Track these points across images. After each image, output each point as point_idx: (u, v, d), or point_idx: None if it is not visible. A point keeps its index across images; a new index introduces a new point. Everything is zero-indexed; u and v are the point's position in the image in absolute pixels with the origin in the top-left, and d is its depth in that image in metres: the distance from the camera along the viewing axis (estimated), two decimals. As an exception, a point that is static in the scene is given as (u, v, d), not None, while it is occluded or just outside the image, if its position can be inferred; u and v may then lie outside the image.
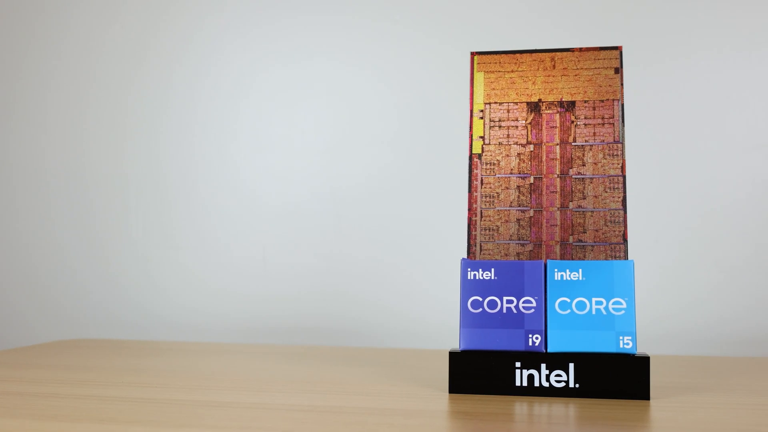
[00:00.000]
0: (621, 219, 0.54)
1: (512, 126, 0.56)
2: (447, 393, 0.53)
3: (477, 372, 0.52)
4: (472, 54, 0.57)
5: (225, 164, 0.93)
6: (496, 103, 0.56)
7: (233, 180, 0.93)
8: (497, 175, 0.55)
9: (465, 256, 0.56)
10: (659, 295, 0.82)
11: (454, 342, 0.79)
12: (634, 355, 0.51)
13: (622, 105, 0.55)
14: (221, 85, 0.93)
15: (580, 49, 0.56)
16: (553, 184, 0.55)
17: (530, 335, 0.52)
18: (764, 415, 0.47)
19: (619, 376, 0.51)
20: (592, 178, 0.54)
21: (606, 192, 0.54)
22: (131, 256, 0.95)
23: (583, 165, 0.55)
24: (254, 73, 0.93)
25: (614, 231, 0.54)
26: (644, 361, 0.51)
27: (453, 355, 0.53)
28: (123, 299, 0.95)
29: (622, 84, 0.55)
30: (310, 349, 0.81)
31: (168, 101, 0.95)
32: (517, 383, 0.52)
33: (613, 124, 0.55)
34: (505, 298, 0.53)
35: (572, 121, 0.55)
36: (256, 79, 0.93)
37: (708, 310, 0.82)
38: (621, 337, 0.51)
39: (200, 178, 0.94)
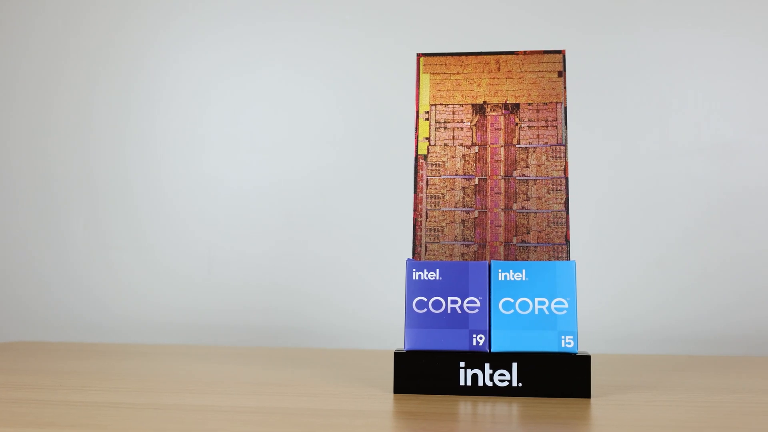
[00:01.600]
0: (563, 220, 0.55)
1: (457, 128, 0.56)
2: (392, 393, 0.53)
3: (421, 372, 0.52)
4: (418, 55, 0.57)
5: (174, 164, 0.92)
6: (441, 104, 0.57)
7: (180, 180, 0.91)
8: (442, 177, 0.56)
9: (410, 257, 0.56)
10: (601, 296, 0.84)
11: (400, 342, 0.79)
12: (575, 354, 0.52)
13: (565, 108, 0.56)
14: (164, 87, 0.92)
15: (525, 53, 0.57)
16: (497, 186, 0.55)
17: (474, 335, 0.52)
18: (700, 411, 0.48)
19: (560, 375, 0.51)
20: (535, 180, 0.55)
21: (549, 194, 0.55)
22: (59, 258, 0.93)
23: (527, 167, 0.55)
24: (199, 73, 0.92)
25: (557, 232, 0.55)
26: (585, 360, 0.51)
27: (398, 356, 0.53)
28: (58, 301, 0.93)
29: (565, 87, 0.56)
30: (256, 350, 0.80)
31: (103, 100, 0.93)
32: (462, 383, 0.52)
33: (556, 126, 0.56)
34: (449, 299, 0.53)
35: (516, 124, 0.56)
36: (201, 79, 0.92)
37: (648, 310, 0.84)
38: (563, 337, 0.52)
39: (133, 178, 0.92)
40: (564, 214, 0.55)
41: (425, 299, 0.53)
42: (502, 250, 0.55)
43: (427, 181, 0.56)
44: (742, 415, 0.47)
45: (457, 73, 0.57)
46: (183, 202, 0.91)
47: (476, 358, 0.52)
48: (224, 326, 0.90)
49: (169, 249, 0.91)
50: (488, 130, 0.56)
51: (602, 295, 0.84)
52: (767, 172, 0.83)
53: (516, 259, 0.54)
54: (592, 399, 0.51)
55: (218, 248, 0.90)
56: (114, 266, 0.92)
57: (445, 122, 0.56)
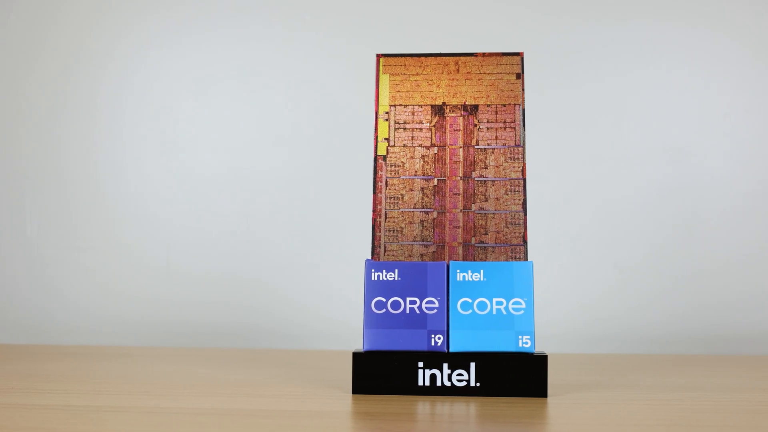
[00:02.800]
0: (521, 221, 0.55)
1: (417, 128, 0.56)
2: (350, 394, 0.53)
3: (380, 372, 0.52)
4: (378, 56, 0.57)
5: (128, 163, 0.90)
6: (401, 105, 0.57)
7: (136, 179, 0.90)
8: (402, 177, 0.56)
9: (369, 257, 0.56)
10: (558, 295, 0.85)
11: (360, 342, 0.79)
12: (532, 353, 0.52)
13: (523, 109, 0.56)
14: (125, 84, 0.91)
15: (483, 54, 0.57)
16: (456, 187, 0.56)
17: (433, 335, 0.53)
18: (654, 409, 0.49)
19: (518, 375, 0.52)
20: (494, 181, 0.56)
21: (507, 195, 0.56)
22: (26, 257, 0.91)
23: (486, 168, 0.56)
24: (159, 70, 0.91)
25: (515, 233, 0.55)
26: (542, 359, 0.52)
27: (356, 356, 0.53)
28: (17, 301, 0.91)
29: (523, 89, 0.57)
30: (212, 351, 0.80)
31: (71, 97, 0.91)
32: (420, 383, 0.52)
33: (515, 128, 0.56)
34: (408, 299, 0.53)
35: (475, 125, 0.56)
36: (161, 76, 0.91)
37: (605, 310, 0.85)
38: (520, 337, 0.52)
39: (102, 177, 0.91)
40: (522, 215, 0.55)
41: (384, 300, 0.53)
42: (460, 250, 0.55)
43: (386, 181, 0.56)
44: (695, 413, 0.48)
45: (417, 74, 0.57)
46: (139, 204, 0.90)
47: (434, 358, 0.52)
48: (182, 327, 0.89)
49: (125, 252, 0.90)
50: (447, 131, 0.56)
51: (559, 295, 0.85)
52: (719, 175, 0.85)
53: (474, 260, 0.55)
54: (549, 398, 0.51)
55: (175, 249, 0.89)
56: (83, 265, 0.90)
57: (404, 123, 0.57)
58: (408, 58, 0.57)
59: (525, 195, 0.55)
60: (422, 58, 0.57)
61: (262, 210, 0.89)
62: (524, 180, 0.55)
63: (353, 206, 0.84)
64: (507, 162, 0.56)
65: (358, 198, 0.81)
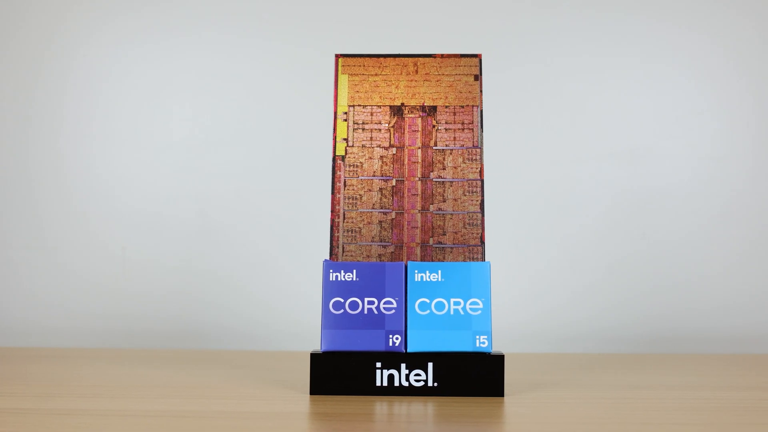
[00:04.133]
0: (479, 222, 0.55)
1: (375, 129, 0.56)
2: (308, 395, 0.53)
3: (338, 373, 0.52)
4: (337, 56, 0.57)
5: (80, 162, 0.89)
6: (359, 105, 0.57)
7: (89, 178, 0.89)
8: (360, 178, 0.56)
9: (327, 258, 0.56)
10: (515, 296, 0.86)
11: (318, 343, 0.79)
12: (489, 353, 0.52)
13: (481, 111, 0.57)
14: (77, 84, 0.89)
15: (442, 56, 0.57)
16: (414, 187, 0.56)
17: (390, 336, 0.53)
18: (606, 408, 0.50)
19: (475, 375, 0.52)
20: (452, 182, 0.56)
21: (465, 195, 0.56)
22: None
23: (444, 169, 0.56)
24: (113, 69, 0.89)
25: (472, 233, 0.55)
26: (499, 359, 0.52)
27: (314, 357, 0.53)
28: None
29: (481, 90, 0.57)
30: (170, 352, 0.79)
31: (34, 101, 0.89)
32: (378, 383, 0.52)
33: (473, 129, 0.56)
34: (366, 299, 0.53)
35: (434, 126, 0.56)
36: (115, 75, 0.89)
37: (562, 310, 0.86)
38: (477, 337, 0.53)
39: (55, 176, 0.89)
40: (479, 215, 0.56)
41: (342, 300, 0.53)
42: (418, 251, 0.55)
43: (344, 182, 0.56)
44: (646, 411, 0.48)
45: (376, 74, 0.57)
46: (93, 202, 0.88)
47: (392, 359, 0.52)
48: (137, 328, 0.87)
49: (79, 250, 0.88)
50: (406, 131, 0.56)
51: (516, 295, 0.86)
52: (672, 176, 0.86)
53: (432, 260, 0.55)
54: (506, 397, 0.52)
55: (131, 249, 0.88)
56: (35, 266, 0.88)
57: (363, 123, 0.56)
58: (367, 58, 0.57)
59: (483, 196, 0.56)
60: (381, 58, 0.57)
61: (220, 210, 0.88)
62: (482, 181, 0.56)
63: (311, 206, 0.84)
64: (465, 163, 0.56)
65: (316, 198, 0.80)
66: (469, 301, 0.53)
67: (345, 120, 0.57)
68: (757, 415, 0.47)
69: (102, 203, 0.88)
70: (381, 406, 0.49)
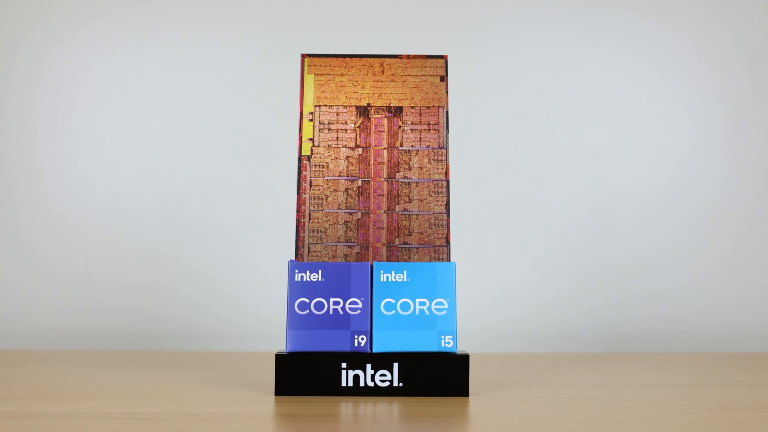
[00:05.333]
0: (444, 222, 0.56)
1: (341, 129, 0.56)
2: (273, 395, 0.52)
3: (303, 373, 0.52)
4: (303, 56, 0.57)
5: (43, 161, 0.87)
6: (325, 105, 0.57)
7: (52, 177, 0.87)
8: (326, 178, 0.56)
9: (293, 258, 0.56)
10: (480, 296, 0.86)
11: (283, 344, 0.78)
12: (454, 353, 0.53)
13: (447, 112, 0.57)
14: (43, 81, 0.88)
15: (408, 56, 0.57)
16: (380, 188, 0.56)
17: (356, 336, 0.53)
18: (568, 406, 0.50)
19: (440, 375, 0.52)
20: (417, 182, 0.56)
21: (431, 196, 0.56)
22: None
23: (410, 169, 0.56)
24: (80, 67, 0.88)
25: (438, 234, 0.56)
26: (464, 359, 0.53)
27: (279, 357, 0.52)
28: None
29: (447, 91, 0.57)
30: (133, 354, 0.78)
31: (4, 97, 0.88)
32: (343, 384, 0.52)
33: (439, 130, 0.57)
34: (331, 300, 0.53)
35: (399, 126, 0.57)
36: (82, 73, 0.88)
37: (527, 310, 0.87)
38: (443, 337, 0.53)
39: (15, 175, 0.87)
40: (445, 216, 0.56)
41: (307, 300, 0.53)
42: (384, 251, 0.55)
43: (310, 182, 0.56)
44: (607, 409, 0.49)
45: (342, 74, 0.57)
46: (59, 200, 0.87)
47: (358, 359, 0.52)
48: (99, 329, 0.86)
49: (44, 249, 0.87)
50: (372, 132, 0.56)
51: (482, 295, 0.86)
52: (638, 177, 0.87)
53: (398, 261, 0.55)
54: (471, 397, 0.52)
55: (95, 249, 0.87)
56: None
57: (329, 123, 0.56)
58: (333, 58, 0.57)
59: (448, 196, 0.56)
60: (347, 59, 0.57)
61: (184, 210, 0.87)
62: (447, 182, 0.56)
63: (277, 207, 0.84)
64: (431, 164, 0.56)
65: (282, 198, 0.80)
66: (434, 302, 0.53)
67: (311, 120, 0.56)
68: (716, 412, 0.48)
69: (63, 209, 0.87)
70: (346, 406, 0.49)
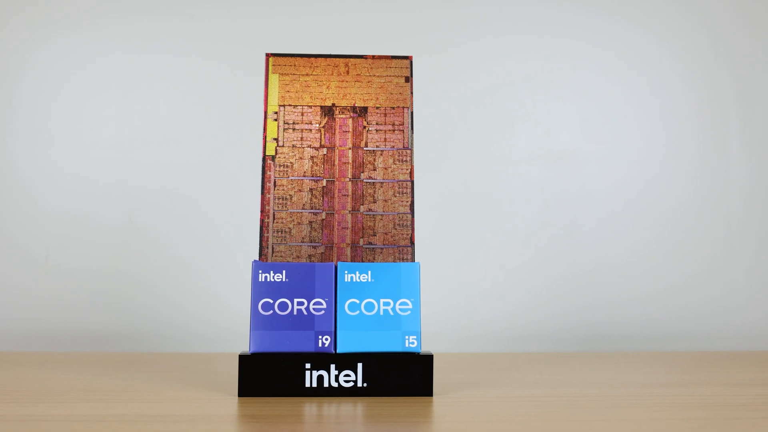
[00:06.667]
0: (409, 223, 0.56)
1: (306, 129, 0.56)
2: (237, 397, 0.52)
3: (267, 374, 0.52)
4: (267, 55, 0.57)
5: (8, 159, 0.86)
6: (290, 105, 0.56)
7: (12, 176, 0.86)
8: (290, 178, 0.56)
9: (257, 258, 0.56)
10: (445, 296, 0.86)
11: (247, 344, 0.78)
12: (418, 353, 0.53)
13: (412, 113, 0.57)
14: (3, 78, 0.86)
15: (373, 57, 0.58)
16: (345, 188, 0.56)
17: (320, 336, 0.52)
18: (534, 405, 0.50)
19: (404, 375, 0.52)
20: (382, 183, 0.56)
21: (395, 196, 0.56)
22: None
23: (374, 170, 0.56)
24: (40, 64, 0.86)
25: (402, 234, 0.56)
26: (428, 359, 0.53)
27: (243, 358, 0.52)
28: None
29: (412, 92, 0.57)
30: (95, 355, 0.77)
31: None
32: (307, 384, 0.52)
33: (403, 130, 0.57)
34: (296, 300, 0.53)
35: (364, 127, 0.57)
36: (42, 70, 0.86)
37: (491, 310, 0.87)
38: (407, 337, 0.53)
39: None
40: (409, 216, 0.56)
41: (271, 301, 0.53)
42: (348, 251, 0.55)
43: (274, 182, 0.56)
44: (570, 408, 0.50)
45: (307, 74, 0.57)
46: (14, 203, 0.86)
47: (322, 360, 0.52)
48: (60, 330, 0.85)
49: (6, 245, 0.85)
50: (336, 132, 0.56)
51: (446, 296, 0.87)
52: (597, 178, 0.88)
53: (362, 261, 0.55)
54: (435, 397, 0.52)
55: (56, 249, 0.85)
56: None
57: (293, 123, 0.56)
58: (298, 58, 0.57)
59: (413, 197, 0.56)
60: (312, 58, 0.57)
61: (148, 209, 0.86)
62: (412, 182, 0.56)
63: (241, 206, 0.83)
64: (395, 164, 0.56)
65: (246, 198, 0.80)
66: (398, 302, 0.53)
67: (275, 120, 0.56)
68: (674, 410, 0.49)
69: (25, 204, 0.86)
70: (310, 407, 0.49)
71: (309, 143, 0.56)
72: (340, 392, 0.52)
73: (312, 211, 0.55)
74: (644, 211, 0.89)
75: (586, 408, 0.50)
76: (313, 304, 0.53)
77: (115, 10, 0.87)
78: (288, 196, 0.55)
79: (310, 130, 0.56)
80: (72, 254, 0.86)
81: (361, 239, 0.55)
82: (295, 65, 0.57)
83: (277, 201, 0.55)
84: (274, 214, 0.55)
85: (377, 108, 0.57)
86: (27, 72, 0.87)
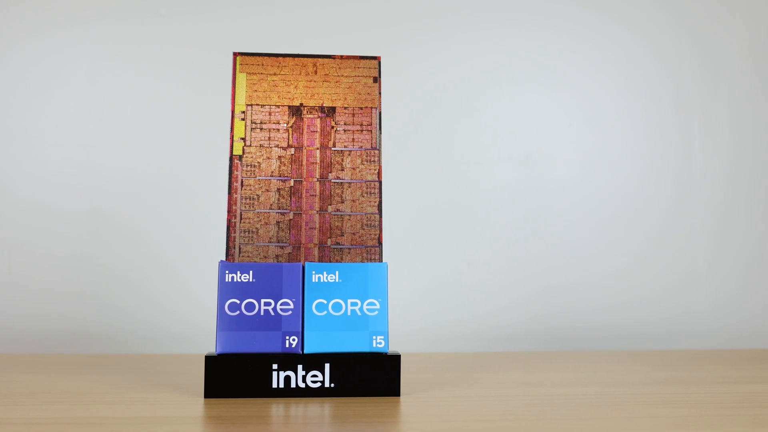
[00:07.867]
0: (377, 223, 0.56)
1: (273, 129, 0.56)
2: (203, 398, 0.52)
3: (233, 375, 0.52)
4: (235, 54, 0.57)
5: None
6: (257, 105, 0.56)
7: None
8: (257, 178, 0.55)
9: (224, 258, 0.55)
10: (412, 296, 0.87)
11: (213, 345, 0.77)
12: (386, 353, 0.53)
13: (380, 113, 0.57)
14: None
15: (341, 57, 0.57)
16: (312, 188, 0.56)
17: (287, 337, 0.52)
18: (500, 404, 0.51)
19: (372, 375, 0.52)
20: (350, 183, 0.56)
21: (363, 197, 0.56)
22: None
23: (342, 170, 0.56)
24: (2, 63, 0.85)
25: (370, 234, 0.56)
26: (395, 359, 0.53)
27: (209, 359, 0.52)
28: None
29: (380, 93, 0.57)
30: (57, 357, 0.75)
31: None
32: (274, 385, 0.52)
33: (371, 131, 0.57)
34: (263, 301, 0.52)
35: (332, 127, 0.56)
36: (4, 68, 0.85)
37: (458, 309, 0.88)
38: (374, 337, 0.53)
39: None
40: (377, 216, 0.56)
41: (238, 301, 0.52)
42: (316, 251, 0.55)
43: (242, 181, 0.55)
44: (536, 407, 0.50)
45: (274, 74, 0.57)
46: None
47: (289, 360, 0.52)
48: (23, 332, 0.83)
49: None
50: (304, 132, 0.56)
51: (413, 295, 0.87)
52: (564, 179, 0.89)
53: (330, 261, 0.55)
54: (402, 397, 0.52)
55: (18, 250, 0.84)
56: None
57: (261, 123, 0.56)
58: (265, 57, 0.57)
59: (381, 197, 0.56)
60: (280, 58, 0.57)
61: (114, 209, 0.85)
62: (380, 182, 0.56)
63: (208, 206, 0.82)
64: (363, 164, 0.56)
65: (213, 198, 0.79)
66: (366, 302, 0.53)
67: (243, 119, 0.56)
68: (642, 408, 0.50)
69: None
70: (277, 408, 0.49)
71: (277, 143, 0.56)
72: (307, 393, 0.52)
73: (279, 211, 0.55)
74: (613, 211, 0.90)
75: (552, 406, 0.50)
76: (281, 304, 0.52)
77: (80, 6, 0.86)
78: (255, 196, 0.55)
79: (278, 129, 0.56)
80: (35, 254, 0.84)
81: (329, 239, 0.55)
82: (262, 64, 0.57)
83: (244, 201, 0.55)
84: (241, 214, 0.55)
85: (345, 108, 0.57)
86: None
